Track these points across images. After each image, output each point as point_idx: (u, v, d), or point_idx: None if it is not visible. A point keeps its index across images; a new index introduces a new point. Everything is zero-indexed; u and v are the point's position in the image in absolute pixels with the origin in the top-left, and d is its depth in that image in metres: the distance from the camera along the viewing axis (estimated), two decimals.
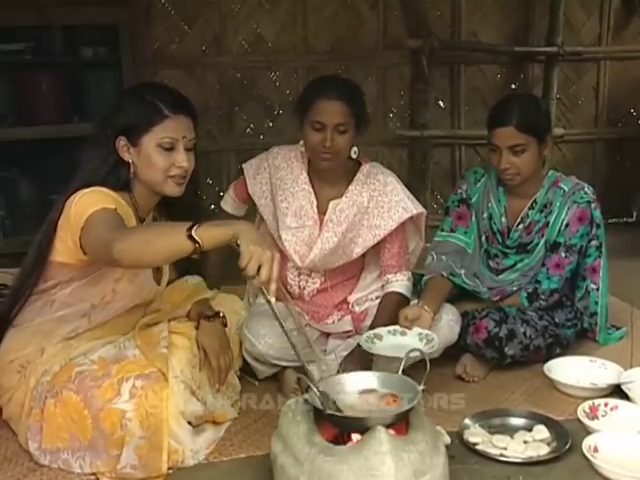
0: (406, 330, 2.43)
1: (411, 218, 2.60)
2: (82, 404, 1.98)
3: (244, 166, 2.70)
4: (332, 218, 2.55)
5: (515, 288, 2.75)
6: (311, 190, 2.58)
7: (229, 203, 2.76)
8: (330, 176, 2.55)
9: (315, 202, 2.57)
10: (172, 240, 1.77)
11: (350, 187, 2.56)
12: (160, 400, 1.96)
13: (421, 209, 2.59)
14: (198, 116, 2.19)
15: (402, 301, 2.57)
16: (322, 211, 2.58)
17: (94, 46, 4.10)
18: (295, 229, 2.57)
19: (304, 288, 2.68)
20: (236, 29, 4.52)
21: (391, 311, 2.52)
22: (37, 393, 2.07)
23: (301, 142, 2.53)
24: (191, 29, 4.48)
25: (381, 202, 2.54)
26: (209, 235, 1.73)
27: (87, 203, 1.97)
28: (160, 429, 1.96)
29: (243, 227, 1.75)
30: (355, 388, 1.93)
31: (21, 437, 2.14)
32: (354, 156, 2.52)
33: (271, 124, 4.55)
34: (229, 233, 1.73)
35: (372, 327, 2.49)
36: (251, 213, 2.80)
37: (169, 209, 2.29)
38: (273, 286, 1.72)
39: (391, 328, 2.45)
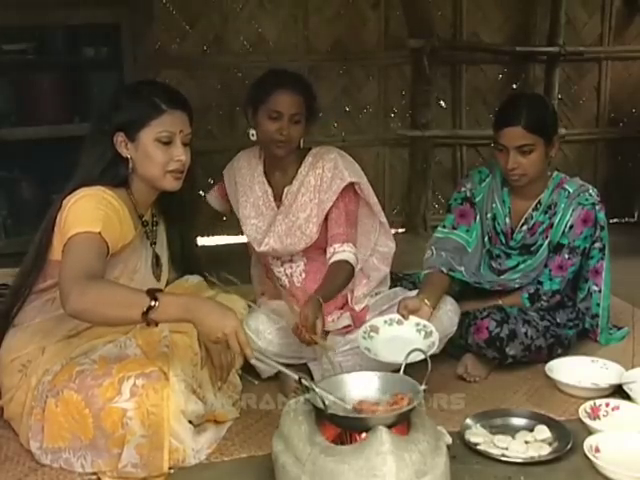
0: (402, 319, 2.43)
1: (367, 203, 2.66)
2: (83, 403, 1.97)
3: (224, 172, 2.84)
4: (285, 202, 2.67)
5: (517, 285, 2.75)
6: (265, 181, 2.70)
7: (214, 200, 2.89)
8: (282, 164, 2.67)
9: (270, 191, 2.69)
10: (127, 314, 1.86)
11: (299, 170, 2.67)
12: (161, 399, 1.96)
13: (357, 178, 2.62)
14: (193, 112, 2.23)
15: (350, 270, 2.58)
16: (279, 199, 2.69)
17: (95, 46, 4.10)
18: (254, 218, 2.69)
19: (292, 275, 2.71)
20: (237, 29, 4.52)
21: (340, 276, 2.54)
22: (38, 393, 2.07)
23: (252, 132, 2.64)
24: (192, 29, 4.48)
25: (325, 178, 2.63)
26: (164, 317, 1.86)
27: (76, 216, 2.00)
28: (161, 428, 1.96)
29: (199, 313, 1.85)
30: (357, 387, 1.93)
31: (22, 437, 2.14)
32: (302, 145, 2.63)
33: None
34: (185, 317, 1.86)
35: (323, 296, 2.38)
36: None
37: (166, 205, 2.33)
38: (248, 350, 1.86)
39: (387, 318, 2.46)
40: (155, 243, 2.33)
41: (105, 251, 1.99)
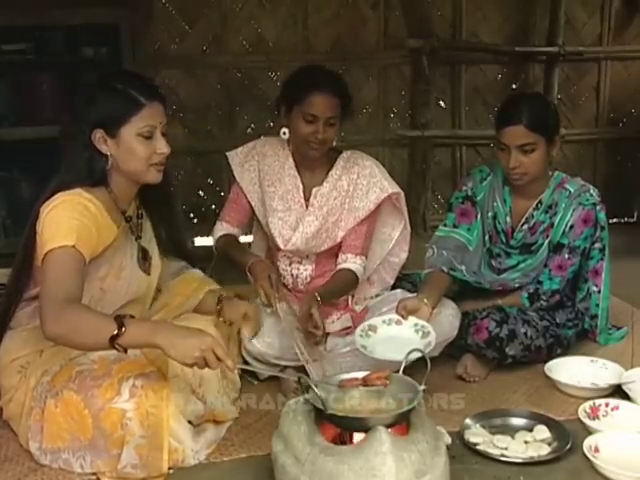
0: (401, 320, 2.42)
1: (392, 203, 2.66)
2: (82, 404, 1.97)
3: (229, 154, 2.74)
4: (314, 203, 2.63)
5: (517, 285, 2.75)
6: (297, 175, 2.65)
7: (221, 232, 2.71)
8: (313, 163, 2.63)
9: (301, 187, 2.65)
10: (95, 341, 1.87)
11: (331, 172, 2.64)
12: (160, 399, 1.96)
13: (398, 189, 2.63)
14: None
15: (355, 282, 2.60)
16: (307, 197, 2.65)
17: (95, 46, 4.10)
18: (282, 212, 2.64)
19: (297, 276, 2.70)
20: (237, 29, 4.53)
21: (343, 283, 2.58)
22: (37, 393, 2.07)
23: (283, 130, 2.58)
24: (192, 29, 4.49)
25: (360, 185, 2.61)
26: (131, 344, 1.87)
27: (50, 230, 1.96)
28: (160, 428, 1.95)
29: (168, 336, 1.85)
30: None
31: (22, 437, 2.14)
32: (334, 144, 2.60)
33: (272, 124, 4.54)
34: (153, 342, 1.85)
35: (322, 296, 2.42)
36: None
37: (146, 199, 2.27)
38: (229, 363, 1.86)
39: (386, 318, 2.44)
40: (140, 237, 2.27)
41: (82, 263, 1.95)
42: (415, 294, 2.58)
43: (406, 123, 4.82)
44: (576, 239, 2.69)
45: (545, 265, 2.72)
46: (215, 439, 2.17)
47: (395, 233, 2.72)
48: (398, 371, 1.97)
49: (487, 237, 2.82)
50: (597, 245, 2.76)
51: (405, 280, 2.88)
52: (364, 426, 1.75)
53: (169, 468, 2.00)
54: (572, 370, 2.56)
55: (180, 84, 4.43)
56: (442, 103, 4.89)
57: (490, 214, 2.80)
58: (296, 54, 4.52)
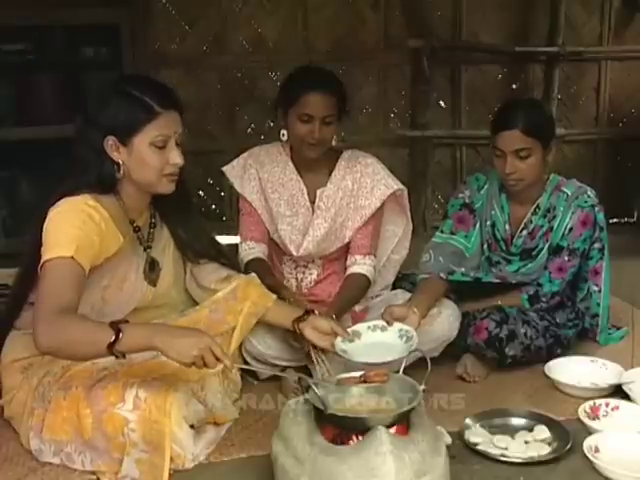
0: (386, 326, 2.35)
1: (395, 199, 2.67)
2: (85, 402, 1.96)
3: (225, 169, 2.73)
4: (320, 205, 2.63)
5: (515, 281, 2.74)
6: (299, 179, 2.65)
7: (248, 254, 2.64)
8: (314, 165, 2.63)
9: (305, 189, 2.65)
10: (93, 350, 1.86)
11: (334, 173, 2.64)
12: (163, 415, 1.92)
13: (401, 185, 2.65)
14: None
15: (367, 285, 2.61)
16: (311, 199, 2.65)
17: (95, 46, 4.11)
18: (289, 217, 2.64)
19: (301, 280, 2.71)
20: (237, 29, 4.54)
21: (356, 290, 2.58)
22: (39, 394, 2.06)
23: (282, 131, 2.58)
24: (192, 29, 4.50)
25: (364, 183, 2.62)
26: (130, 348, 1.84)
27: (51, 238, 1.93)
28: (163, 442, 1.92)
29: (165, 337, 1.83)
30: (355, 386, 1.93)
31: (23, 437, 2.13)
32: (334, 143, 2.59)
33: (272, 124, 4.55)
34: (152, 345, 1.84)
35: (334, 305, 2.46)
36: None
37: (162, 207, 2.23)
38: (227, 362, 1.85)
39: (371, 324, 2.37)
40: (151, 247, 2.22)
41: (80, 274, 1.92)
42: (410, 295, 2.56)
43: (406, 123, 4.82)
44: (575, 241, 2.68)
45: (545, 268, 2.72)
46: (215, 439, 2.16)
47: (399, 230, 2.73)
48: (398, 371, 1.97)
49: (486, 245, 2.81)
50: (596, 245, 2.76)
51: (405, 280, 2.88)
52: (364, 426, 1.75)
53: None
54: (572, 370, 2.56)
55: (180, 84, 4.41)
56: (442, 103, 4.89)
57: (488, 222, 2.78)
58: (296, 54, 4.51)
